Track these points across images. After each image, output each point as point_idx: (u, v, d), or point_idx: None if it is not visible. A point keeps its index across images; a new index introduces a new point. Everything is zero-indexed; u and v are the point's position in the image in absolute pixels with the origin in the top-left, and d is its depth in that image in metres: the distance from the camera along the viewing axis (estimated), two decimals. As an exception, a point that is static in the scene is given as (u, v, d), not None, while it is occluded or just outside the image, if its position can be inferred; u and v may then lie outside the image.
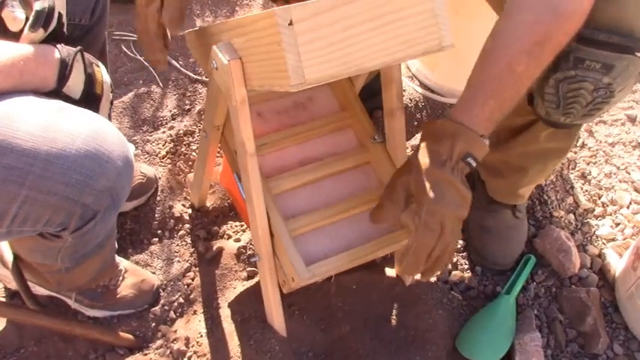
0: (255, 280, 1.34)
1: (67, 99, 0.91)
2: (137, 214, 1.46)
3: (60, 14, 0.92)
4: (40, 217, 0.87)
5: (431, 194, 0.93)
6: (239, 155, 1.03)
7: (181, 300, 1.35)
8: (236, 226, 1.46)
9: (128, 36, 1.83)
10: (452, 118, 0.96)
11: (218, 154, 1.42)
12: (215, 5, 1.97)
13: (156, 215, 1.46)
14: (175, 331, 1.30)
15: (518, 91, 0.95)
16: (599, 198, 1.60)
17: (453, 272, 1.42)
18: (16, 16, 0.88)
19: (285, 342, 1.19)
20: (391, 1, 0.85)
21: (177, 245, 1.43)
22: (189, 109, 1.68)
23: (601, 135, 1.72)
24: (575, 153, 1.67)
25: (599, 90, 0.99)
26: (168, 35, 1.08)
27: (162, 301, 1.34)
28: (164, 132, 1.61)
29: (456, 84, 1.70)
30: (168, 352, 1.26)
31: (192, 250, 1.43)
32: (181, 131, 1.61)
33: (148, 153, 1.56)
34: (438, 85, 1.73)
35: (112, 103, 1.02)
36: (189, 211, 1.48)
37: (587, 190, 1.61)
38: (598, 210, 1.57)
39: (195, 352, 1.26)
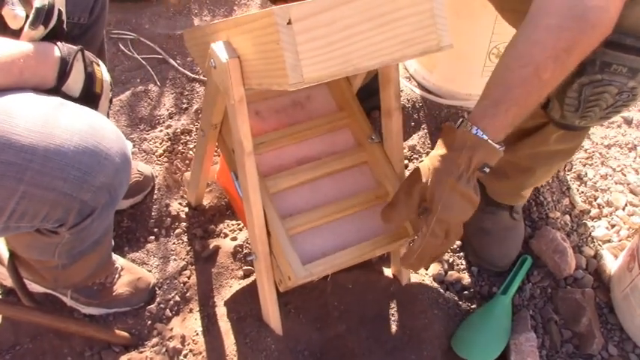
0: (252, 278, 1.34)
1: (66, 97, 0.91)
2: (134, 212, 1.47)
3: (60, 11, 0.92)
4: (38, 212, 0.87)
5: (442, 205, 0.97)
6: (236, 154, 1.03)
7: (177, 298, 1.35)
8: (233, 224, 1.47)
9: (126, 34, 1.83)
10: (473, 122, 0.97)
11: (215, 153, 1.42)
12: (213, 4, 1.97)
13: (152, 213, 1.46)
14: (171, 329, 1.30)
15: (540, 97, 0.96)
16: (595, 199, 1.60)
17: (450, 272, 1.42)
18: (16, 13, 0.88)
19: (281, 341, 1.19)
20: (389, 1, 0.86)
21: (174, 243, 1.43)
22: (186, 108, 1.68)
23: (597, 137, 1.73)
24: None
25: (622, 94, 0.99)
26: None
27: (158, 299, 1.34)
28: (161, 130, 1.61)
29: (455, 85, 1.71)
30: (164, 350, 1.26)
31: (188, 248, 1.43)
32: (178, 130, 1.61)
33: (145, 151, 1.56)
34: (436, 86, 1.74)
35: (111, 101, 1.03)
36: (186, 209, 1.48)
37: (583, 192, 1.61)
38: (594, 211, 1.58)
39: (190, 351, 1.26)
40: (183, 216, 1.47)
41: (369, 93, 1.37)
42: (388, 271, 1.34)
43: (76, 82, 0.93)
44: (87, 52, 0.97)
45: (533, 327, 1.35)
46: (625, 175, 1.66)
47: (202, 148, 1.27)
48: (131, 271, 1.33)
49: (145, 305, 1.33)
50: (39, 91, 0.89)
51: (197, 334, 1.28)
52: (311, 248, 1.10)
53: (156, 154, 1.57)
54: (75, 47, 0.94)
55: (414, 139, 1.65)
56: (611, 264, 1.47)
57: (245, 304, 1.27)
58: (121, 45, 1.81)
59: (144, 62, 1.77)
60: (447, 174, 0.97)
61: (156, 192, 1.50)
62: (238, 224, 1.46)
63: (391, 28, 0.86)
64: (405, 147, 1.62)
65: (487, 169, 0.99)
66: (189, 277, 1.38)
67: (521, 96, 0.95)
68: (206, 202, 1.50)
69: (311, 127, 1.22)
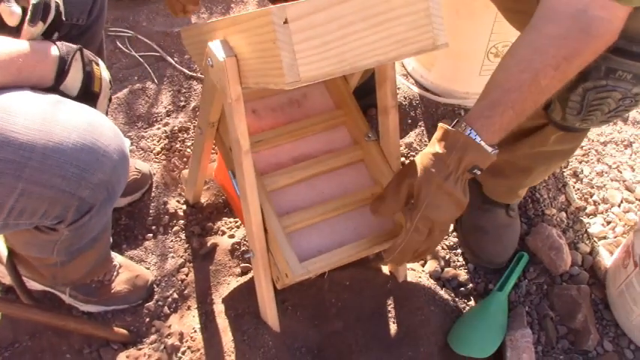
0: (249, 276, 1.35)
1: (64, 96, 0.92)
2: (132, 209, 1.47)
3: (57, 3, 0.92)
4: (37, 210, 0.87)
5: (427, 203, 0.98)
6: (234, 152, 1.04)
7: (175, 295, 1.36)
8: (230, 222, 1.47)
9: (123, 32, 1.83)
10: (468, 122, 0.97)
11: (213, 151, 1.42)
12: (210, 2, 1.97)
13: (150, 211, 1.47)
14: (169, 327, 1.31)
15: (537, 103, 0.96)
16: (591, 196, 1.61)
17: (446, 269, 1.43)
18: (12, 10, 0.88)
19: (278, 337, 1.20)
20: (385, 0, 0.86)
21: (172, 241, 1.44)
22: (184, 106, 1.68)
23: (593, 134, 1.74)
24: (568, 151, 1.69)
25: (625, 99, 1.00)
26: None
27: (156, 297, 1.35)
28: (159, 128, 1.62)
29: (453, 84, 1.71)
30: (162, 347, 1.27)
31: (186, 246, 1.43)
32: (176, 128, 1.61)
33: (142, 149, 1.57)
34: (434, 84, 1.74)
35: (110, 100, 1.03)
36: (184, 207, 1.49)
37: (578, 189, 1.62)
38: (589, 208, 1.59)
39: (189, 347, 1.26)
40: (181, 213, 1.48)
41: (365, 91, 1.38)
42: (385, 269, 1.35)
43: (74, 80, 0.94)
44: (86, 51, 0.97)
45: (529, 323, 1.36)
46: (621, 172, 1.67)
47: (200, 146, 1.27)
48: (129, 269, 1.33)
49: (143, 303, 1.34)
50: (37, 89, 0.89)
51: (195, 331, 1.28)
52: (308, 246, 1.11)
53: (153, 151, 1.57)
54: (74, 46, 0.94)
55: (411, 137, 1.65)
56: (607, 260, 1.48)
57: (243, 302, 1.28)
58: (118, 43, 1.81)
59: (141, 60, 1.78)
60: (435, 172, 0.98)
61: (154, 190, 1.50)
62: (236, 222, 1.47)
63: (386, 28, 0.87)
64: (401, 144, 1.62)
65: (477, 172, 0.99)
66: (187, 275, 1.39)
67: (518, 100, 0.95)
68: (204, 199, 1.50)
69: (308, 125, 1.22)
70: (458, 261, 1.46)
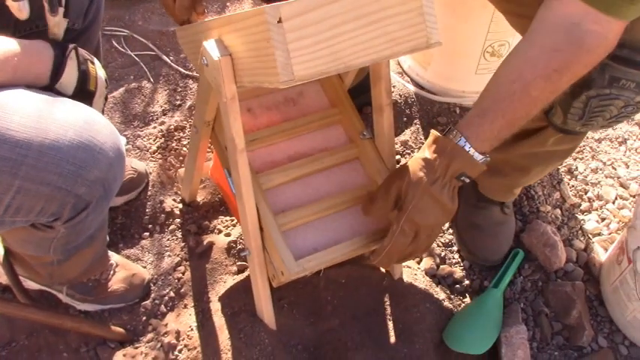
0: (246, 274, 1.35)
1: (60, 95, 0.92)
2: (128, 208, 1.47)
3: None
4: (33, 207, 0.88)
5: (412, 206, 1.00)
6: (229, 151, 1.04)
7: (172, 294, 1.36)
8: (226, 220, 1.48)
9: (119, 31, 1.83)
10: (459, 129, 0.99)
11: (209, 150, 1.43)
12: (206, 1, 1.97)
13: (147, 210, 1.47)
14: (166, 325, 1.31)
15: (529, 113, 0.97)
16: (586, 193, 1.62)
17: (441, 266, 1.44)
18: (21, 7, 0.89)
19: (274, 335, 1.20)
20: (378, -1, 0.87)
21: (168, 240, 1.44)
22: (179, 105, 1.68)
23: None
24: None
25: (627, 107, 1.01)
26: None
27: (153, 295, 1.36)
28: (155, 127, 1.62)
29: (449, 83, 1.72)
30: (159, 345, 1.28)
31: (182, 244, 1.44)
32: (172, 126, 1.61)
33: (138, 148, 1.57)
34: (430, 83, 1.75)
35: (106, 98, 1.04)
36: (180, 205, 1.49)
37: (573, 186, 1.63)
38: (584, 205, 1.60)
39: (185, 346, 1.27)
40: (178, 212, 1.48)
41: (361, 89, 1.38)
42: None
43: (69, 79, 0.94)
44: (81, 50, 0.97)
45: (524, 320, 1.37)
46: (615, 169, 1.67)
47: (195, 145, 1.27)
48: (126, 268, 1.34)
49: (139, 301, 1.34)
50: (33, 88, 0.90)
51: (192, 330, 1.29)
52: (303, 244, 1.11)
53: (150, 150, 1.57)
54: (69, 45, 0.94)
55: (407, 135, 1.66)
56: (601, 257, 1.49)
57: (239, 300, 1.28)
58: (114, 42, 1.81)
59: (137, 59, 1.78)
60: (422, 176, 1.00)
61: (150, 188, 1.50)
62: (232, 220, 1.47)
63: (380, 26, 0.87)
64: (397, 142, 1.63)
65: (466, 179, 1.01)
66: (183, 273, 1.39)
67: (508, 109, 0.96)
68: (200, 198, 1.51)
69: (303, 123, 1.23)
70: (453, 258, 1.47)
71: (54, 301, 1.32)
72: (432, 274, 1.42)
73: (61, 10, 0.92)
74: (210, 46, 0.94)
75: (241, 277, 1.35)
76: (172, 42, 1.82)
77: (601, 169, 1.67)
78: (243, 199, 1.05)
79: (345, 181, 1.19)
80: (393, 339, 1.26)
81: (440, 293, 1.36)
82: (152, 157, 1.57)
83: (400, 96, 1.72)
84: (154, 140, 1.59)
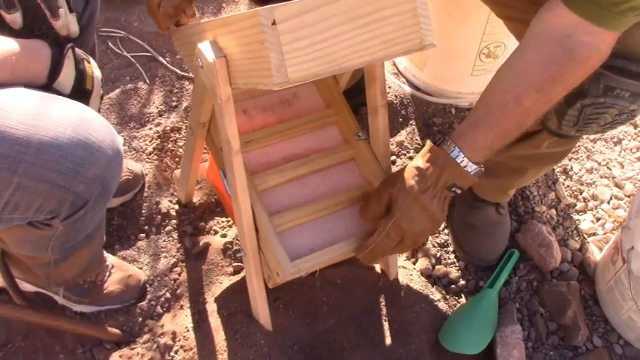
0: (242, 275, 1.35)
1: (57, 94, 0.93)
2: (124, 209, 1.48)
3: None
4: (32, 204, 0.88)
5: (400, 213, 1.02)
6: (224, 152, 1.04)
7: (168, 295, 1.36)
8: (222, 221, 1.48)
9: (115, 32, 1.83)
10: (453, 139, 1.00)
11: (205, 151, 1.43)
12: (202, 2, 1.97)
13: (143, 211, 1.47)
14: (162, 326, 1.31)
15: (522, 124, 0.98)
16: (581, 193, 1.62)
17: (437, 267, 1.44)
18: (14, 17, 0.92)
19: (270, 336, 1.21)
20: (373, 1, 0.87)
21: (164, 241, 1.44)
22: (175, 106, 1.69)
23: (583, 131, 1.75)
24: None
25: (622, 115, 1.01)
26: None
27: (149, 296, 1.36)
28: (151, 128, 1.62)
29: (445, 84, 1.72)
30: (155, 346, 1.28)
31: (178, 245, 1.44)
32: (168, 128, 1.61)
33: (134, 149, 1.57)
34: (426, 84, 1.75)
35: (102, 98, 1.04)
36: (176, 206, 1.50)
37: (568, 186, 1.63)
38: (579, 205, 1.60)
39: (181, 347, 1.27)
40: (174, 213, 1.48)
41: (356, 90, 1.39)
42: (376, 266, 1.36)
43: (67, 78, 0.95)
44: (77, 50, 0.98)
45: (519, 319, 1.38)
46: (610, 169, 1.68)
47: (191, 146, 1.28)
48: (122, 269, 1.34)
49: (135, 302, 1.34)
50: (31, 87, 0.90)
51: (188, 331, 1.29)
52: (299, 245, 1.12)
53: (146, 151, 1.58)
54: (66, 45, 0.95)
55: (402, 135, 1.66)
56: (597, 257, 1.49)
57: (235, 301, 1.28)
58: (110, 43, 1.81)
59: (133, 60, 1.78)
60: (413, 184, 1.02)
61: (146, 190, 1.51)
62: (228, 221, 1.48)
63: (374, 28, 0.87)
64: (392, 143, 1.63)
65: (457, 190, 1.02)
66: (179, 274, 1.39)
67: (501, 120, 0.97)
68: (196, 199, 1.51)
69: (298, 124, 1.23)
70: (449, 258, 1.47)
71: (50, 303, 1.32)
72: (428, 275, 1.42)
73: (62, 10, 0.92)
74: (205, 48, 0.95)
75: (237, 278, 1.36)
76: (168, 43, 1.82)
77: (596, 169, 1.67)
78: (239, 200, 1.06)
79: (341, 182, 1.20)
80: (388, 339, 1.26)
81: (435, 293, 1.37)
82: (148, 158, 1.57)
83: (396, 97, 1.73)
84: (150, 141, 1.59)
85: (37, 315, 1.19)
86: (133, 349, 1.28)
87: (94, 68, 1.00)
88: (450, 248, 1.49)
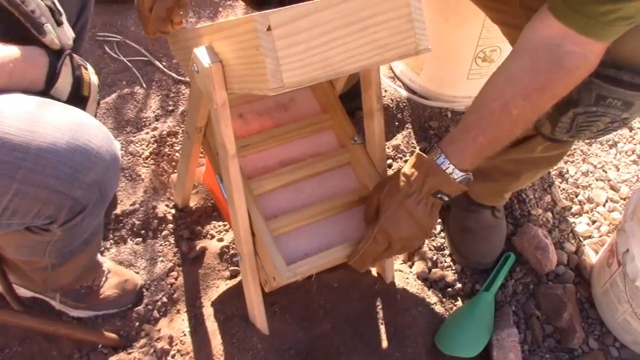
0: (238, 279, 1.35)
1: (55, 100, 0.93)
2: (120, 214, 1.47)
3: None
4: (30, 210, 0.88)
5: (385, 217, 1.04)
6: (220, 157, 1.04)
7: (165, 299, 1.36)
8: (219, 226, 1.48)
9: (111, 37, 1.83)
10: (441, 146, 1.01)
11: (201, 155, 1.43)
12: (198, 6, 1.98)
13: (139, 215, 1.47)
14: (159, 330, 1.31)
15: (511, 132, 0.99)
16: (576, 196, 1.63)
17: (433, 270, 1.44)
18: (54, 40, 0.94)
19: (267, 340, 1.21)
20: (368, 6, 0.87)
21: (161, 245, 1.45)
22: (172, 110, 1.69)
23: (578, 134, 1.75)
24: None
25: (614, 122, 1.02)
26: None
27: (145, 301, 1.36)
28: (147, 133, 1.62)
29: (441, 87, 1.73)
30: (151, 350, 1.28)
31: (175, 249, 1.44)
32: (165, 132, 1.61)
33: (131, 154, 1.57)
34: (422, 87, 1.75)
35: (98, 103, 1.04)
36: (173, 211, 1.50)
37: (564, 189, 1.64)
38: (575, 208, 1.61)
39: (178, 351, 1.27)
40: (170, 218, 1.48)
41: (353, 94, 1.39)
42: (372, 270, 1.36)
43: (64, 85, 0.95)
44: (75, 56, 0.98)
45: (516, 323, 1.38)
46: (606, 172, 1.69)
47: (188, 151, 1.28)
48: (118, 273, 1.34)
49: (132, 307, 1.34)
50: (28, 93, 0.91)
51: (184, 335, 1.29)
52: (295, 249, 1.12)
53: (142, 156, 1.58)
54: (64, 52, 0.95)
55: (399, 139, 1.66)
56: (592, 259, 1.50)
57: (232, 305, 1.28)
58: (106, 47, 1.81)
59: (130, 64, 1.78)
60: (398, 189, 1.03)
61: (142, 194, 1.51)
62: (225, 225, 1.48)
63: (369, 33, 0.88)
64: (389, 146, 1.64)
65: (444, 197, 1.03)
66: (176, 279, 1.40)
67: (489, 127, 0.98)
68: (193, 203, 1.51)
69: (294, 129, 1.23)
70: (445, 262, 1.47)
71: (47, 308, 1.32)
72: (424, 278, 1.42)
73: (48, 26, 0.92)
74: (201, 53, 0.95)
75: (234, 282, 1.36)
76: (165, 47, 1.82)
77: (592, 172, 1.68)
78: (235, 205, 1.06)
79: (337, 187, 1.20)
80: (385, 343, 1.26)
81: (432, 297, 1.37)
82: (145, 162, 1.57)
83: (392, 100, 1.73)
84: (147, 146, 1.59)
85: (34, 320, 1.19)
86: (129, 353, 1.28)
87: (91, 74, 1.00)
88: (447, 251, 1.49)
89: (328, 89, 1.27)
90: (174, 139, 1.61)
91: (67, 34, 0.98)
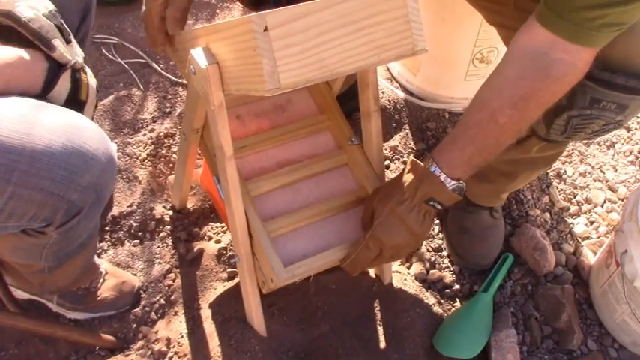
0: (236, 280, 1.35)
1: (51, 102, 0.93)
2: (118, 216, 1.47)
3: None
4: (26, 212, 0.88)
5: (378, 223, 1.04)
6: (217, 158, 1.04)
7: (162, 301, 1.36)
8: (217, 227, 1.48)
9: (109, 39, 1.83)
10: (432, 155, 1.02)
11: (198, 157, 1.43)
12: (195, 8, 1.97)
13: (137, 217, 1.47)
14: (156, 332, 1.31)
15: (499, 140, 0.99)
16: (574, 197, 1.63)
17: (431, 271, 1.44)
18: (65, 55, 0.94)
19: (265, 341, 1.20)
20: (365, 7, 0.87)
21: (158, 247, 1.44)
22: (169, 112, 1.68)
23: (576, 135, 1.75)
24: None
25: (609, 125, 1.02)
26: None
27: (143, 302, 1.35)
28: (145, 135, 1.62)
29: (438, 88, 1.73)
30: (149, 352, 1.27)
31: (173, 251, 1.44)
32: (162, 134, 1.61)
33: (128, 155, 1.57)
34: (419, 89, 1.75)
35: (96, 106, 1.04)
36: (170, 212, 1.49)
37: (562, 190, 1.64)
38: (573, 209, 1.60)
39: (176, 353, 1.27)
40: (168, 219, 1.48)
41: (350, 95, 1.39)
42: (371, 271, 1.36)
43: (61, 90, 0.95)
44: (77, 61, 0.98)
45: (514, 323, 1.38)
46: (603, 173, 1.69)
47: (185, 152, 1.28)
48: (116, 275, 1.34)
49: (130, 308, 1.34)
50: (24, 96, 0.90)
51: (182, 337, 1.29)
52: (293, 250, 1.12)
53: (139, 158, 1.57)
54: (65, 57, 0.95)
55: (396, 140, 1.66)
56: (590, 260, 1.50)
57: (229, 306, 1.28)
58: (103, 49, 1.81)
59: (127, 66, 1.78)
60: (391, 196, 1.04)
61: (140, 196, 1.50)
62: (222, 227, 1.47)
63: (366, 34, 0.88)
64: (386, 148, 1.64)
65: (437, 205, 1.03)
66: (173, 280, 1.39)
67: (478, 136, 0.99)
68: (190, 205, 1.51)
69: (292, 130, 1.23)
70: (443, 263, 1.47)
71: (44, 310, 1.32)
72: (422, 279, 1.42)
73: (57, 41, 0.92)
74: (198, 55, 0.95)
75: (232, 283, 1.35)
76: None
77: (589, 173, 1.68)
78: (232, 206, 1.06)
79: (334, 188, 1.20)
80: (383, 344, 1.26)
81: (430, 298, 1.37)
82: (142, 164, 1.57)
83: (389, 102, 1.73)
84: (144, 148, 1.59)
85: (31, 322, 1.19)
86: (127, 355, 1.28)
87: (89, 77, 1.00)
88: (445, 252, 1.49)
89: (325, 90, 1.27)
90: (171, 141, 1.61)
91: (77, 52, 0.98)
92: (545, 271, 1.45)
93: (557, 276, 1.46)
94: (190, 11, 1.94)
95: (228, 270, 1.39)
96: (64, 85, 0.95)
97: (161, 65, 1.79)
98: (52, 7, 0.95)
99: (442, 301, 1.40)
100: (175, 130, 1.63)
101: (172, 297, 1.36)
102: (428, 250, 1.48)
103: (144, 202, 1.49)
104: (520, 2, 1.04)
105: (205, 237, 1.46)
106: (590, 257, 1.51)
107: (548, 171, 1.66)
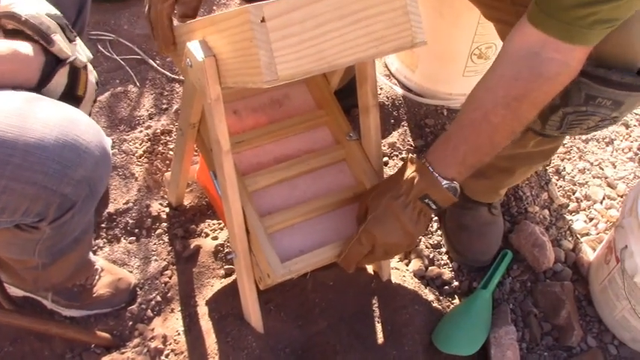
0: (233, 277, 1.34)
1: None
2: (114, 213, 1.46)
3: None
4: (19, 207, 0.87)
5: (372, 217, 1.03)
6: (214, 153, 1.03)
7: (159, 298, 1.35)
8: (214, 224, 1.47)
9: (105, 35, 1.82)
10: (426, 155, 1.02)
11: (195, 153, 1.42)
12: (192, 4, 1.96)
13: (133, 214, 1.46)
14: (153, 330, 1.30)
15: (493, 141, 0.99)
16: (573, 193, 1.62)
17: (430, 268, 1.43)
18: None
19: (262, 338, 1.19)
20: (363, -2, 0.86)
21: (155, 244, 1.43)
22: (166, 109, 1.67)
23: (575, 132, 1.75)
24: (550, 149, 1.70)
25: (604, 121, 1.02)
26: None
27: (139, 300, 1.34)
28: (141, 131, 1.61)
29: (436, 85, 1.72)
30: (145, 350, 1.26)
31: (169, 248, 1.43)
32: (158, 130, 1.60)
33: (125, 152, 1.56)
34: (417, 85, 1.75)
35: (94, 101, 1.03)
36: (167, 209, 1.48)
37: (561, 186, 1.63)
38: (572, 205, 1.60)
39: (172, 350, 1.26)
40: (164, 216, 1.47)
41: (349, 91, 1.38)
42: (369, 268, 1.35)
43: (57, 85, 0.94)
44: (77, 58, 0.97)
45: (514, 320, 1.37)
46: (602, 169, 1.68)
47: (181, 148, 1.27)
48: (111, 272, 1.33)
49: (126, 306, 1.33)
50: (18, 89, 0.90)
51: (179, 334, 1.28)
52: (290, 246, 1.11)
53: (136, 154, 1.56)
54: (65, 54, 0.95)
55: (394, 136, 1.65)
56: (590, 257, 1.49)
57: (226, 303, 1.27)
58: (99, 46, 1.80)
59: (123, 63, 1.77)
60: (386, 191, 1.03)
61: (136, 193, 1.49)
62: (219, 223, 1.46)
63: (365, 25, 0.87)
64: (384, 144, 1.63)
65: (432, 204, 1.02)
66: (170, 277, 1.38)
67: (471, 136, 0.99)
68: (187, 202, 1.50)
69: (289, 125, 1.22)
70: (442, 259, 1.46)
71: (39, 308, 1.31)
72: (421, 276, 1.41)
73: (57, 36, 0.92)
74: (194, 47, 0.94)
75: (228, 280, 1.35)
76: (158, 45, 1.81)
77: (588, 170, 1.67)
78: (229, 202, 1.05)
79: (332, 183, 1.19)
80: (381, 341, 1.25)
81: (429, 295, 1.36)
82: (138, 161, 1.55)
83: (388, 98, 1.72)
84: (140, 144, 1.58)
85: (26, 319, 1.18)
86: (123, 353, 1.27)
87: (89, 74, 0.99)
88: (443, 249, 1.48)
89: (323, 85, 1.26)
90: (167, 138, 1.60)
91: (80, 51, 0.97)
92: (544, 268, 1.44)
93: (556, 273, 1.46)
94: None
95: (225, 267, 1.38)
96: (60, 80, 0.94)
97: (157, 62, 1.78)
98: (54, 11, 0.94)
99: (441, 297, 1.39)
100: (172, 126, 1.62)
101: (169, 294, 1.35)
102: (427, 247, 1.47)
103: (140, 199, 1.48)
104: None
105: (202, 234, 1.45)
106: (589, 254, 1.50)
107: (547, 167, 1.65)
